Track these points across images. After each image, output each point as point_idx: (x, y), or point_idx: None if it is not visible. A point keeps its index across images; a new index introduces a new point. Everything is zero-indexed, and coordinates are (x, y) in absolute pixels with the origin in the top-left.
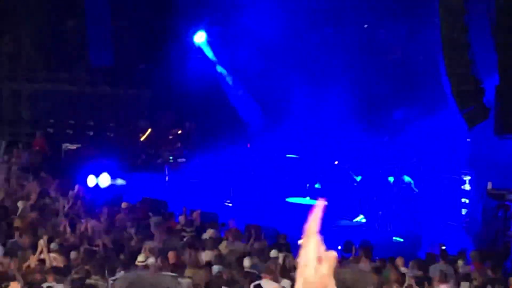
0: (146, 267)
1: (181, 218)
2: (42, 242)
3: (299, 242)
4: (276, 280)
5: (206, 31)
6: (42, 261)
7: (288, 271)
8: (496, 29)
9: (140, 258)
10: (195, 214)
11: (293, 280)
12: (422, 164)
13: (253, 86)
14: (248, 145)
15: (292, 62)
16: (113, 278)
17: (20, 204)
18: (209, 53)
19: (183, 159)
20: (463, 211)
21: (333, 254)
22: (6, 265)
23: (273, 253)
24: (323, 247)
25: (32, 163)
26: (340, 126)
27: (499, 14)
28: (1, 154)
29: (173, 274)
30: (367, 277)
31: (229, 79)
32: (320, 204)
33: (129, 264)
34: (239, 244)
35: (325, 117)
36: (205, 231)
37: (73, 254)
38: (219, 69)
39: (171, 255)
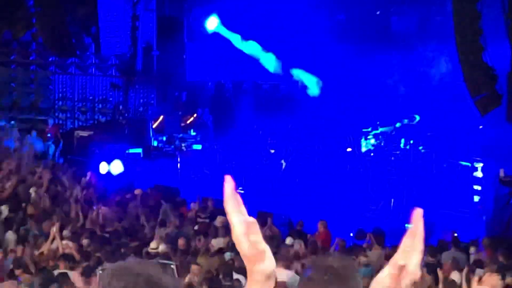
0: (158, 254)
1: (194, 205)
2: (54, 229)
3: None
4: (288, 267)
5: (218, 16)
6: (56, 248)
7: (300, 259)
8: (509, 16)
9: (152, 245)
10: (210, 202)
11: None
12: (435, 151)
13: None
14: (261, 132)
15: (303, 48)
16: (101, 268)
17: (32, 191)
18: (227, 34)
19: (199, 146)
20: (475, 198)
21: (250, 219)
22: (19, 252)
23: (288, 240)
24: (248, 218)
25: (45, 151)
26: (347, 114)
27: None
28: (14, 139)
29: (165, 261)
30: (354, 264)
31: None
32: (228, 180)
33: (141, 251)
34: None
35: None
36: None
37: (85, 241)
38: (243, 46)
39: (181, 242)
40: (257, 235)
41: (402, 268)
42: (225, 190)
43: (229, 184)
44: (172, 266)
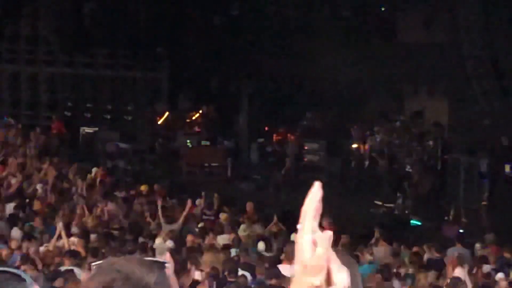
0: (162, 250)
1: (200, 202)
2: (60, 226)
3: (298, 226)
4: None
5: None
6: (62, 245)
7: None
8: None
9: (158, 241)
10: (215, 198)
11: None
12: (441, 146)
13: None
14: (266, 128)
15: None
16: (93, 264)
17: (37, 187)
18: None
19: (207, 142)
20: (481, 194)
21: (327, 233)
22: (24, 248)
23: (293, 237)
24: (319, 230)
25: (50, 147)
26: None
27: None
28: None
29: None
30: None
31: None
32: (316, 186)
33: (147, 247)
34: (257, 228)
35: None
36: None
37: (91, 238)
38: None
39: (189, 238)
40: (326, 249)
41: None
42: (311, 196)
43: (316, 190)
44: (166, 264)
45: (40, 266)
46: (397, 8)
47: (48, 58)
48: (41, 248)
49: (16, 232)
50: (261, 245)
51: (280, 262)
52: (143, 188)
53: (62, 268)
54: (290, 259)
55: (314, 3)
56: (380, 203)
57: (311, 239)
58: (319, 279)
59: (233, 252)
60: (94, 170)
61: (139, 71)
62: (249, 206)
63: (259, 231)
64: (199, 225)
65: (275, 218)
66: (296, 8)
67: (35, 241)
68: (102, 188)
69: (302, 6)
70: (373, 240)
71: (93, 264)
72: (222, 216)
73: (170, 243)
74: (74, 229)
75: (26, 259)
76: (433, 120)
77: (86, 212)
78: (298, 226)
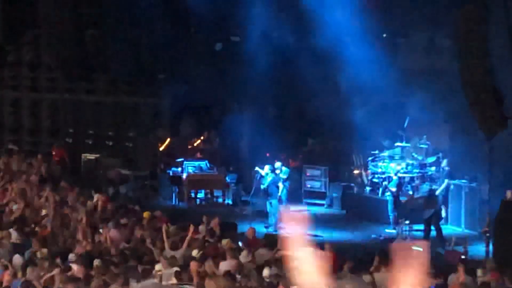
0: (162, 277)
1: (202, 228)
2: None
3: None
4: None
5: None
6: (63, 271)
7: None
8: None
9: (158, 267)
10: (213, 223)
11: None
12: (442, 172)
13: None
14: (268, 154)
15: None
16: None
17: (38, 214)
18: None
19: (210, 169)
20: (482, 220)
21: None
22: (26, 275)
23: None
24: (317, 253)
25: (52, 174)
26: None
27: None
28: None
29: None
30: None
31: None
32: (302, 212)
33: (148, 274)
34: (259, 253)
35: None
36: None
37: (92, 264)
38: None
39: (193, 264)
40: (325, 275)
41: None
42: (297, 222)
43: (302, 217)
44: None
45: None
46: (398, 34)
47: (50, 85)
48: (44, 274)
49: (17, 259)
50: (266, 272)
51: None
52: (146, 215)
53: None
54: (287, 284)
55: (312, 29)
56: (390, 231)
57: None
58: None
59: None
60: (95, 196)
61: (141, 97)
62: (250, 231)
63: (261, 256)
64: (201, 251)
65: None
66: (297, 33)
67: (36, 267)
68: (104, 214)
69: (302, 32)
70: (373, 266)
71: None
72: (224, 241)
73: (175, 269)
74: (76, 256)
75: (28, 285)
76: (434, 146)
77: (88, 238)
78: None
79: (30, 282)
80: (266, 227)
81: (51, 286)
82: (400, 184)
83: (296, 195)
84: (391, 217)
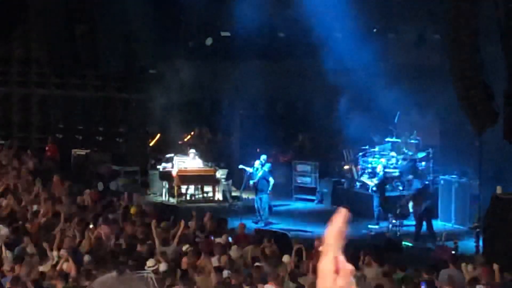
0: (155, 272)
1: (192, 223)
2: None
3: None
4: (280, 285)
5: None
6: (53, 267)
7: (297, 275)
8: (505, 33)
9: (150, 263)
10: (206, 219)
11: (299, 285)
12: (433, 168)
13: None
14: (258, 150)
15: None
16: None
17: (29, 209)
18: None
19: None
20: (473, 215)
21: (350, 267)
22: (16, 271)
23: (285, 258)
24: (342, 258)
25: (43, 169)
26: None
27: (508, 19)
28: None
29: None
30: None
31: None
32: (342, 212)
33: (139, 269)
34: (249, 249)
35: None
36: (216, 236)
37: (83, 260)
38: None
39: (184, 260)
40: (347, 282)
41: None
42: (336, 222)
43: (341, 215)
44: (150, 275)
45: None
46: (389, 30)
47: (40, 80)
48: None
49: (7, 254)
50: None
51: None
52: (132, 210)
53: None
54: (276, 280)
55: (303, 25)
56: (372, 226)
57: (334, 267)
58: None
59: (225, 273)
60: (86, 192)
61: (131, 92)
62: (240, 227)
63: (251, 252)
64: (192, 247)
65: (267, 239)
66: (288, 28)
67: (26, 263)
68: (94, 210)
69: (292, 28)
70: (364, 261)
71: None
72: (223, 237)
73: (163, 265)
74: (66, 252)
75: (17, 281)
76: (425, 141)
77: (78, 234)
78: (321, 250)
79: (19, 278)
80: (256, 223)
81: (41, 282)
82: (385, 178)
83: (286, 191)
84: (375, 212)
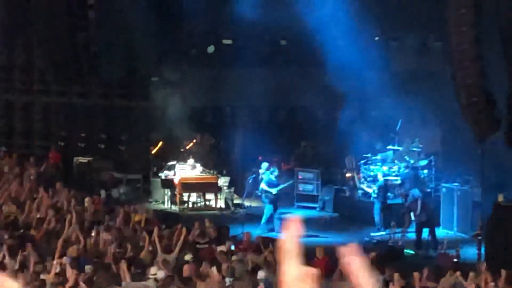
0: (156, 280)
1: (194, 231)
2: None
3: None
4: None
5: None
6: (55, 275)
7: None
8: (507, 41)
9: (152, 271)
10: (207, 226)
11: None
12: (435, 176)
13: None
14: (260, 157)
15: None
16: None
17: (32, 217)
18: None
19: (201, 172)
20: (475, 223)
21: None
22: (19, 278)
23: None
24: (303, 265)
25: (46, 176)
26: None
27: (510, 26)
28: None
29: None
30: None
31: None
32: (295, 220)
33: (141, 277)
34: (252, 257)
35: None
36: (218, 244)
37: (85, 268)
38: None
39: (186, 268)
40: (312, 286)
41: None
42: (290, 228)
43: (295, 223)
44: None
45: None
46: (391, 37)
47: (42, 88)
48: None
49: (9, 262)
50: (261, 274)
51: None
52: (137, 218)
53: None
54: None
55: (305, 33)
56: (374, 234)
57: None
58: None
59: (227, 281)
60: (88, 199)
61: (133, 100)
62: (246, 236)
63: (254, 259)
64: (193, 254)
65: (270, 246)
66: (290, 36)
67: (28, 271)
68: (96, 217)
69: (293, 36)
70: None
71: None
72: (226, 244)
73: (164, 273)
74: (68, 259)
75: None
76: (427, 149)
77: (81, 240)
78: (281, 261)
79: (22, 286)
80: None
81: None
82: (385, 186)
83: (288, 198)
84: (376, 219)
